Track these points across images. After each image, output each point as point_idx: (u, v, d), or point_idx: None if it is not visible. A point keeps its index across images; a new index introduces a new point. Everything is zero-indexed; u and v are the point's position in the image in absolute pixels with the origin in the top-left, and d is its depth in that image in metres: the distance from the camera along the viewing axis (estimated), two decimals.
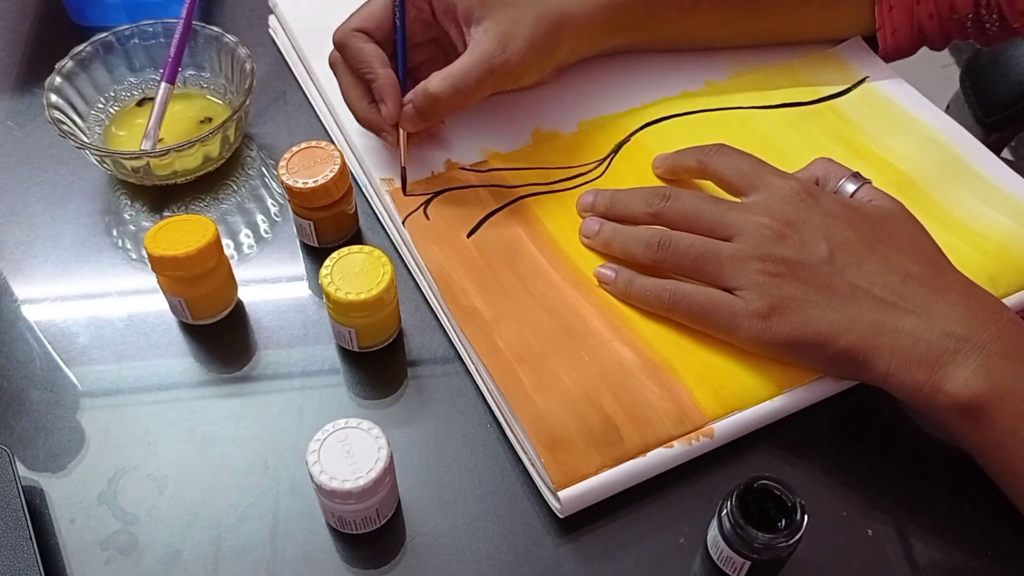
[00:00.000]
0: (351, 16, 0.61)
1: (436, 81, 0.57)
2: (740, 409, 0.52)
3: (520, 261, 0.58)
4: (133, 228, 0.63)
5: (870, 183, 0.56)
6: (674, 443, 0.51)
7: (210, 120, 0.68)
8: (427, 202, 0.61)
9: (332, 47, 0.62)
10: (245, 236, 0.63)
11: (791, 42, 0.71)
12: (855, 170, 0.57)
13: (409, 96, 0.59)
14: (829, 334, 0.50)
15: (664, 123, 0.66)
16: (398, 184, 0.62)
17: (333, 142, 0.63)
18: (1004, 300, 0.57)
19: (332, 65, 0.62)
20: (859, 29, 0.70)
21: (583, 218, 0.60)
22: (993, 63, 1.01)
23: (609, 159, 0.64)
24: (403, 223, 0.60)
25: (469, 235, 0.60)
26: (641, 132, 0.66)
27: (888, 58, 0.70)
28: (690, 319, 0.54)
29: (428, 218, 0.60)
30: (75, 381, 0.56)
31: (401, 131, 0.60)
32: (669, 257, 0.55)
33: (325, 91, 0.68)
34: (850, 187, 0.56)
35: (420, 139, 0.63)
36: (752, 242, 0.52)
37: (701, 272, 0.54)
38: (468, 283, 0.57)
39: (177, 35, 0.66)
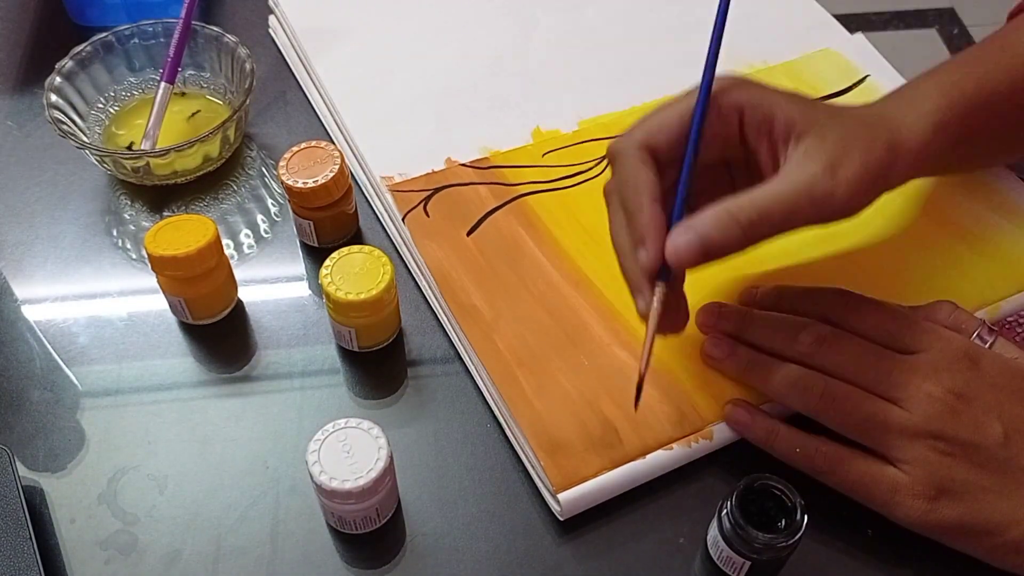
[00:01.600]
0: (640, 122, 0.49)
1: (735, 205, 0.45)
2: None
3: (520, 259, 0.58)
4: (133, 228, 0.63)
5: (999, 334, 0.51)
6: (673, 445, 0.51)
7: (197, 112, 0.67)
8: (427, 199, 0.61)
9: (336, 53, 0.60)
10: (245, 236, 0.63)
11: None
12: (980, 318, 0.52)
13: (690, 223, 0.46)
14: (1000, 523, 0.46)
15: None
16: (399, 180, 0.62)
17: (333, 142, 0.63)
18: (1003, 302, 0.57)
19: (606, 194, 0.50)
20: None
21: (702, 332, 0.53)
22: None
23: None
24: (403, 220, 0.60)
25: (469, 233, 0.60)
26: None
27: None
28: (843, 487, 0.48)
29: (428, 215, 0.60)
30: (75, 381, 0.56)
31: (654, 310, 0.47)
32: (830, 412, 0.48)
33: (325, 91, 0.68)
34: (985, 339, 0.51)
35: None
36: (923, 415, 0.47)
37: (863, 437, 0.48)
38: (468, 281, 0.57)
39: (177, 35, 0.66)
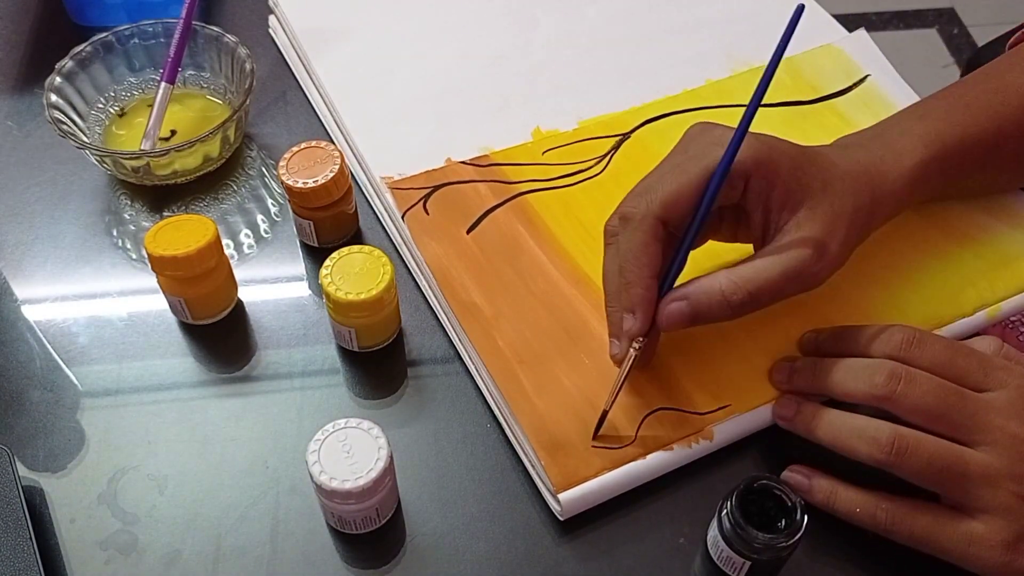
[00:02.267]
0: (658, 190, 0.50)
1: (727, 282, 0.49)
2: (739, 412, 0.52)
3: (520, 258, 0.58)
4: (133, 228, 0.63)
5: None
6: (673, 446, 0.51)
7: (173, 134, 0.67)
8: (426, 197, 0.61)
9: (336, 53, 0.60)
10: (245, 236, 0.63)
11: None
12: None
13: (685, 291, 0.49)
14: None
15: (665, 120, 0.66)
16: (397, 178, 0.62)
17: (333, 142, 0.63)
18: (1002, 304, 0.57)
19: (608, 232, 0.52)
20: None
21: (777, 389, 0.53)
22: None
23: (610, 156, 0.64)
24: (402, 218, 0.60)
25: (469, 231, 0.60)
26: (642, 128, 0.66)
27: None
28: (911, 542, 0.47)
29: (427, 213, 0.60)
30: (75, 381, 0.56)
31: (629, 359, 0.50)
32: (906, 465, 0.46)
33: (325, 91, 0.68)
34: None
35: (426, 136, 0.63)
36: (1007, 458, 0.45)
37: (938, 486, 0.46)
38: (468, 279, 0.57)
39: (177, 35, 0.66)
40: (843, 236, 0.50)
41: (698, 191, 0.49)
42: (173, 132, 0.67)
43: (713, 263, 0.54)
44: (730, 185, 0.50)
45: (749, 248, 0.53)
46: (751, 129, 0.50)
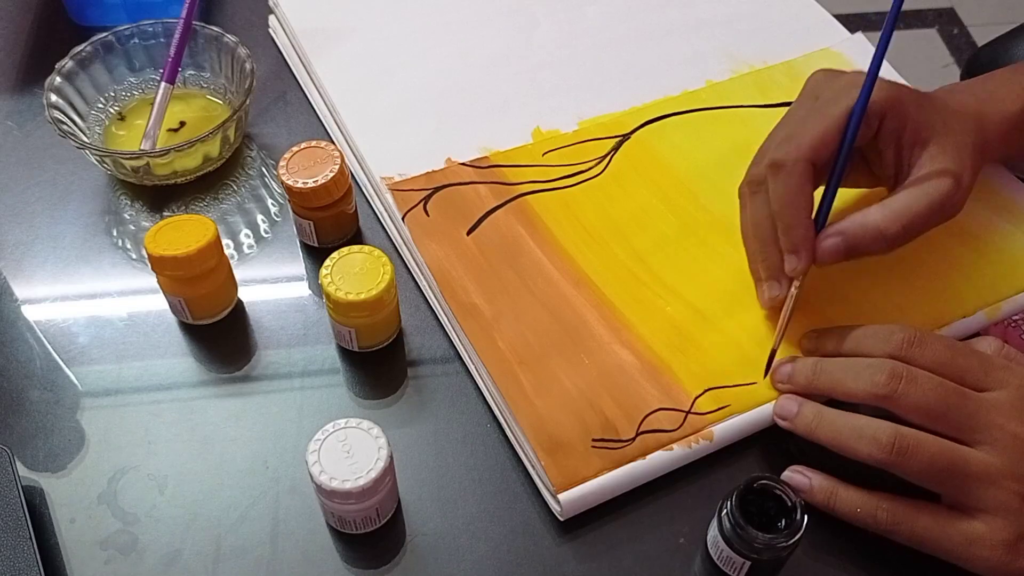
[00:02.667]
0: (801, 133, 0.52)
1: (882, 215, 0.51)
2: (739, 412, 0.52)
3: (520, 259, 0.58)
4: (133, 228, 0.63)
5: None
6: (673, 446, 0.51)
7: (184, 124, 0.67)
8: (427, 198, 0.61)
9: (336, 53, 0.60)
10: (245, 236, 0.63)
11: None
12: None
13: (838, 228, 0.52)
14: None
15: (665, 121, 0.66)
16: (397, 179, 0.62)
17: (333, 142, 0.63)
18: (1002, 304, 0.57)
19: (753, 182, 0.54)
20: None
21: (777, 389, 0.53)
22: (993, 63, 1.01)
23: (609, 157, 0.64)
24: (403, 219, 0.60)
25: (469, 232, 0.60)
26: (642, 129, 0.66)
27: None
28: (912, 543, 0.47)
29: (428, 214, 0.60)
30: (75, 381, 0.56)
31: (790, 298, 0.53)
32: (906, 464, 0.46)
33: (325, 91, 0.68)
34: None
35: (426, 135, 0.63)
36: (1007, 457, 0.46)
37: (939, 485, 0.47)
38: (468, 280, 0.57)
39: (177, 35, 0.66)
40: (971, 167, 0.53)
41: (840, 131, 0.52)
42: (182, 123, 0.67)
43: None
44: (867, 124, 0.52)
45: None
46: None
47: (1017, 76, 0.59)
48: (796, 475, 0.50)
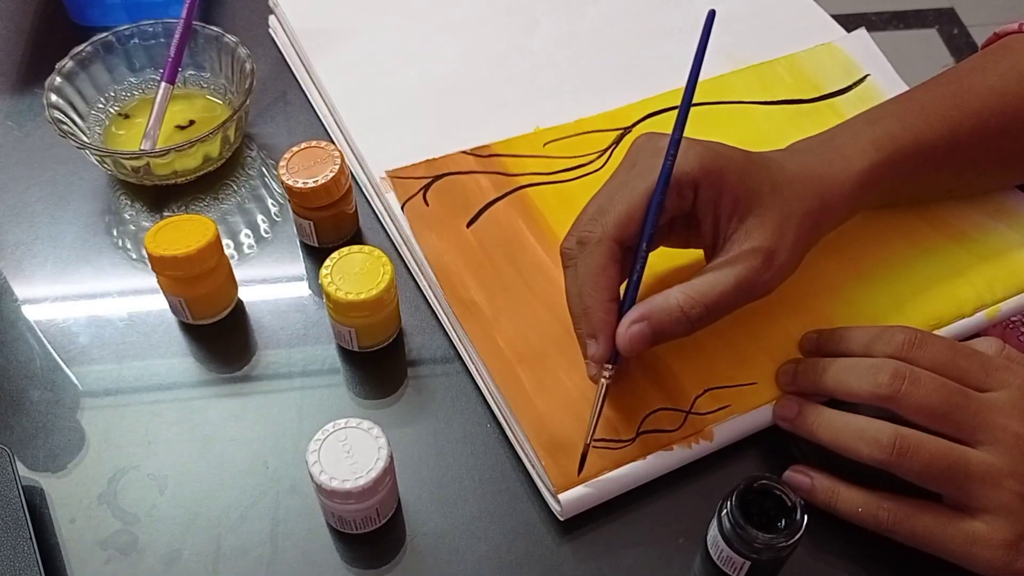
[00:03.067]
0: (609, 209, 0.50)
1: (684, 298, 0.48)
2: (740, 412, 0.52)
3: (520, 254, 0.58)
4: (133, 228, 0.63)
5: None
6: (673, 446, 0.51)
7: (193, 123, 0.67)
8: (426, 187, 0.61)
9: (336, 53, 0.60)
10: (245, 236, 0.63)
11: None
12: None
13: (642, 313, 0.48)
14: None
15: (666, 114, 0.66)
16: (396, 173, 0.62)
17: (333, 142, 0.63)
18: (1001, 305, 0.57)
19: (565, 254, 0.51)
20: None
21: (781, 391, 0.53)
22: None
23: (611, 150, 0.64)
24: (402, 208, 0.60)
25: (468, 224, 0.60)
26: (643, 123, 0.66)
27: None
28: (913, 542, 0.47)
29: (427, 204, 0.60)
30: (75, 381, 0.56)
31: (602, 387, 0.49)
32: (907, 465, 0.46)
33: (325, 91, 0.68)
34: None
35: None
36: (1008, 457, 0.45)
37: (941, 486, 0.46)
38: (467, 276, 0.57)
39: (177, 35, 0.66)
40: (792, 242, 0.50)
41: (647, 208, 0.49)
42: (192, 122, 0.67)
43: (666, 265, 0.55)
44: (680, 195, 0.50)
45: (701, 252, 0.54)
46: (699, 137, 0.50)
47: (870, 128, 0.55)
48: (798, 475, 0.50)
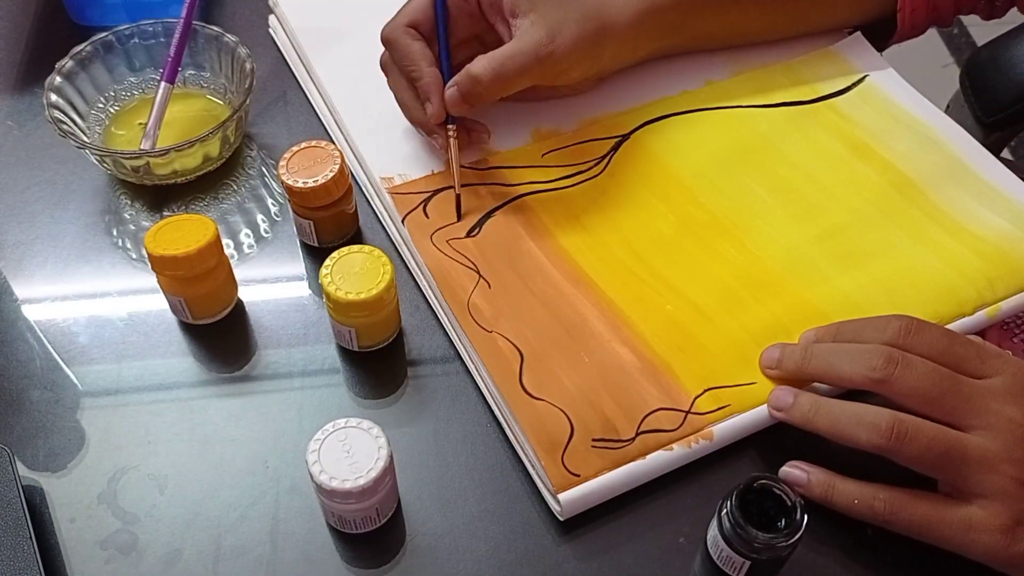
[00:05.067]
0: (400, 11, 0.61)
1: (480, 64, 0.58)
2: (739, 412, 0.52)
3: (520, 259, 0.58)
4: (133, 228, 0.63)
5: None
6: (673, 446, 0.51)
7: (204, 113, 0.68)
8: (426, 200, 0.61)
9: (336, 53, 0.61)
10: (245, 236, 0.63)
11: (825, 29, 0.71)
12: None
13: (453, 80, 0.59)
14: None
15: (664, 121, 0.66)
16: (398, 181, 0.62)
17: (333, 142, 0.63)
18: (1002, 303, 0.57)
19: (383, 66, 0.63)
20: (884, 11, 0.70)
21: (766, 376, 0.53)
22: (993, 63, 1.01)
23: (609, 157, 0.64)
24: (402, 222, 0.60)
25: (469, 234, 0.60)
26: (641, 130, 0.66)
27: (903, 38, 0.70)
28: (910, 532, 0.47)
29: (427, 216, 0.60)
30: (75, 381, 0.56)
31: (452, 144, 0.60)
32: (905, 450, 0.46)
33: (325, 91, 0.68)
34: None
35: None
36: (1004, 442, 0.46)
37: (937, 471, 0.46)
38: (468, 281, 0.57)
39: (177, 35, 0.66)
40: (572, 35, 0.59)
41: (432, 2, 0.60)
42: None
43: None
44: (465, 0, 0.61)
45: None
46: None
47: None
48: (794, 470, 0.50)
